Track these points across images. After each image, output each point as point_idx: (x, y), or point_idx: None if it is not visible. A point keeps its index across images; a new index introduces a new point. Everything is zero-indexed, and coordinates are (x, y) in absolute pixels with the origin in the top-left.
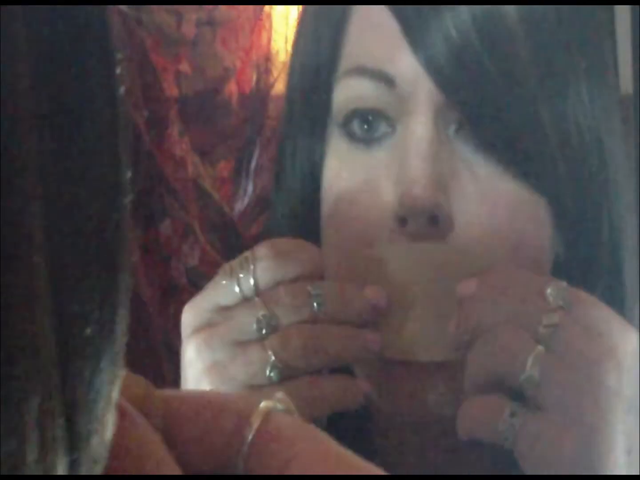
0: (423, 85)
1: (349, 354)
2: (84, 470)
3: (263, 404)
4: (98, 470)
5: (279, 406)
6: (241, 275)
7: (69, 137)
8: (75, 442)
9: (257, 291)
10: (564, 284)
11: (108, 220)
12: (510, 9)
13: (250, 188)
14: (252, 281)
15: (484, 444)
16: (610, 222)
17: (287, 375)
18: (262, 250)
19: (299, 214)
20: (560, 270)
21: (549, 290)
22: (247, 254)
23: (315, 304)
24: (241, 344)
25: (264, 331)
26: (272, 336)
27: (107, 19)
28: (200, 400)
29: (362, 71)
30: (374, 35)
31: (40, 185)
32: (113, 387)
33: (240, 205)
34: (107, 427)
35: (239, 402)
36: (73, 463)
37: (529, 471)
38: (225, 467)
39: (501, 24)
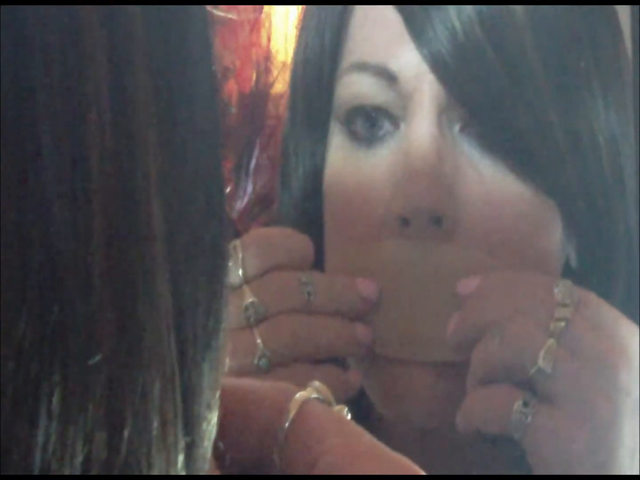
0: (426, 81)
1: (338, 346)
2: (198, 451)
3: (300, 393)
4: (208, 452)
5: (316, 395)
6: (229, 264)
7: (176, 117)
8: (190, 424)
9: (246, 279)
10: (570, 283)
11: (213, 207)
12: (517, 5)
13: (249, 187)
14: (240, 270)
15: (485, 442)
16: (626, 226)
17: (275, 364)
18: (250, 238)
19: (302, 213)
20: (574, 275)
21: (556, 289)
22: (235, 242)
23: (305, 293)
24: (230, 332)
25: (251, 319)
26: (262, 325)
27: (207, 17)
28: (239, 389)
29: (363, 67)
30: (376, 30)
31: (155, 165)
32: (219, 373)
33: (239, 204)
34: (214, 411)
35: (276, 391)
36: (189, 444)
37: (536, 465)
38: (262, 456)
39: (507, 19)
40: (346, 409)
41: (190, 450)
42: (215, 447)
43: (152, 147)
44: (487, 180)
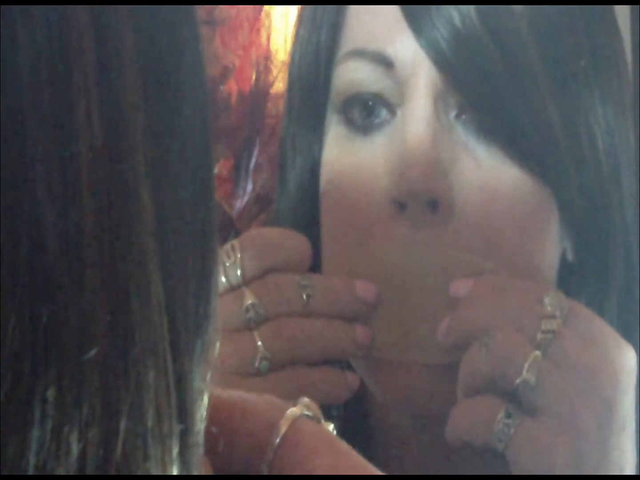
0: (423, 68)
1: (338, 348)
2: (192, 438)
3: (291, 410)
4: (201, 438)
5: (306, 412)
6: (227, 264)
7: (165, 107)
8: (183, 411)
9: (244, 280)
10: (562, 294)
11: (202, 195)
12: None
13: (249, 187)
14: (238, 270)
15: (474, 454)
16: (622, 219)
17: (275, 366)
18: (248, 238)
19: (299, 206)
20: (571, 269)
21: (546, 299)
22: (233, 242)
23: (304, 296)
24: (229, 333)
25: (251, 321)
26: (262, 327)
27: (197, 19)
28: (230, 401)
29: (360, 54)
30: (373, 17)
31: (144, 157)
32: (210, 357)
33: (239, 203)
34: (205, 396)
35: (267, 406)
36: (183, 431)
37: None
38: (250, 470)
39: (505, 7)
40: (332, 425)
41: (185, 436)
42: (208, 432)
43: (140, 138)
44: (483, 166)
